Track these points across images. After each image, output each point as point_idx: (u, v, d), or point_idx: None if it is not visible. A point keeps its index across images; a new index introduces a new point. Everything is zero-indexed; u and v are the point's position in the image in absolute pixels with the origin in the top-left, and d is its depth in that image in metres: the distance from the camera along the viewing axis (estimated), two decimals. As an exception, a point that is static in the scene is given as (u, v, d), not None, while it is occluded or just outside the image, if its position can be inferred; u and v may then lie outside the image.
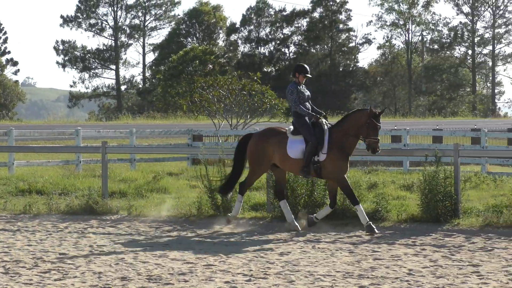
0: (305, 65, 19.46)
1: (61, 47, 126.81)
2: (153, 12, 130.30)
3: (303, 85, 19.02)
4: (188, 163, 33.41)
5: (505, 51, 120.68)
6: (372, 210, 20.31)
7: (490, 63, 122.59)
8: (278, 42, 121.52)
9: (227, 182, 19.87)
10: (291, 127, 18.93)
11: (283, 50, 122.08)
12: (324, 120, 18.66)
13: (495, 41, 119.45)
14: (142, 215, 21.69)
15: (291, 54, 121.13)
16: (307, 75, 19.06)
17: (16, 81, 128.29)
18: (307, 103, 18.81)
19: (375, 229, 18.26)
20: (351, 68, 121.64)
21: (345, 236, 18.53)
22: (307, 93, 18.93)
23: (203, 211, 21.45)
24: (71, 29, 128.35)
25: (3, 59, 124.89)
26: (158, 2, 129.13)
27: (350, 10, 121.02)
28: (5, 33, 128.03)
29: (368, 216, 19.64)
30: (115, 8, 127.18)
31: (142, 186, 25.75)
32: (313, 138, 18.32)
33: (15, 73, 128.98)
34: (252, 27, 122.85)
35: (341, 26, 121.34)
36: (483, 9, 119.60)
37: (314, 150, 18.32)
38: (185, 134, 37.00)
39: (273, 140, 18.92)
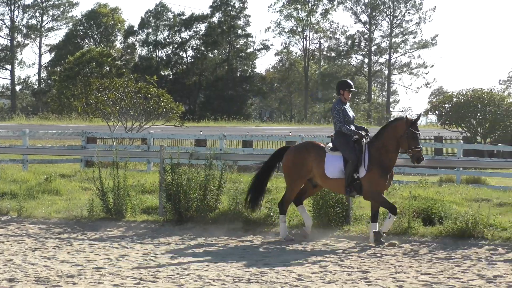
0: (349, 80, 18.89)
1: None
2: (50, 13, 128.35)
3: (348, 104, 18.34)
4: (81, 165, 33.02)
5: (401, 61, 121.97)
6: (264, 215, 20.33)
7: (386, 72, 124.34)
8: (176, 46, 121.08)
9: (254, 196, 19.19)
10: (330, 144, 18.27)
11: (180, 54, 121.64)
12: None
13: (392, 50, 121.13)
14: (32, 217, 21.37)
15: (188, 58, 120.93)
16: (352, 89, 18.38)
17: None
18: (351, 125, 18.06)
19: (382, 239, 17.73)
20: (248, 74, 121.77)
21: (236, 241, 18.56)
22: (352, 114, 18.18)
23: (94, 214, 21.21)
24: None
25: None
26: (56, 2, 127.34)
27: (249, 16, 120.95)
28: None
29: (261, 222, 19.97)
30: (12, 8, 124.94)
31: (33, 188, 25.18)
32: (353, 157, 17.66)
33: None
34: (150, 30, 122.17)
35: (239, 31, 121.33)
36: (380, 18, 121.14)
37: (354, 169, 17.66)
38: (79, 136, 36.67)
39: (312, 155, 18.23)
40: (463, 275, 14.88)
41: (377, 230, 17.65)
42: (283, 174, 19.05)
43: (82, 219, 21.15)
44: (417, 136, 17.49)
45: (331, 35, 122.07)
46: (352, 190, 17.81)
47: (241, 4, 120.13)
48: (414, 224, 19.14)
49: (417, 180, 28.38)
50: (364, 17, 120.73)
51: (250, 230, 19.62)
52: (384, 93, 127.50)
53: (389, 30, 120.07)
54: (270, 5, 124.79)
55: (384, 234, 17.90)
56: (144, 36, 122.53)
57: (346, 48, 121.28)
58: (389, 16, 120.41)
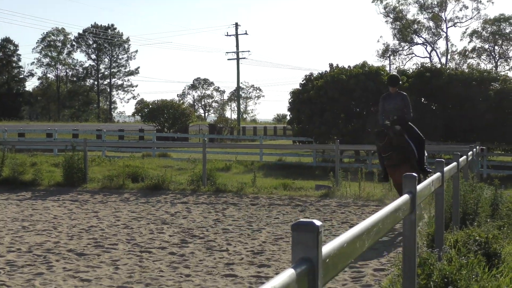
0: (393, 75, 14.25)
1: None
2: None
3: (397, 94, 13.55)
4: None
5: (117, 83, 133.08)
6: (32, 179, 20.78)
7: (109, 90, 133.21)
8: None
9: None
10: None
11: None
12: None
13: (111, 77, 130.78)
14: None
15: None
16: (392, 85, 13.54)
17: None
18: (392, 114, 13.38)
19: None
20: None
21: (14, 196, 18.67)
22: (392, 104, 13.43)
23: None
24: None
25: None
26: None
27: (20, 55, 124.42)
28: None
29: (28, 183, 20.20)
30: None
31: None
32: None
33: None
34: None
35: (14, 64, 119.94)
36: (104, 56, 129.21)
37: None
38: None
39: None
40: (156, 211, 15.67)
41: None
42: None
43: None
44: (377, 145, 13.57)
45: (73, 67, 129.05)
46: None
47: (15, 47, 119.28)
48: (126, 182, 20.24)
49: (128, 155, 29.17)
50: (93, 56, 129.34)
51: (24, 189, 19.84)
52: (108, 103, 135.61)
53: (109, 64, 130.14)
54: (33, 48, 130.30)
55: None
56: None
57: (83, 75, 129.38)
58: (109, 56, 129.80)
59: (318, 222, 2.55)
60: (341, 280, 8.67)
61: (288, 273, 2.36)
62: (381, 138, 12.98)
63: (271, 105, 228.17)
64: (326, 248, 2.74)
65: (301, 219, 2.62)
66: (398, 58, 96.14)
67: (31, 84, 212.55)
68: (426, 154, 13.50)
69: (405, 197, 4.91)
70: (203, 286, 8.58)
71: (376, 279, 8.77)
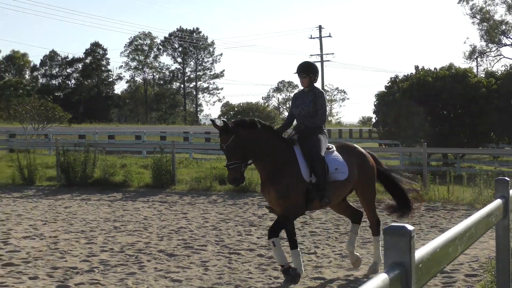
0: (303, 62, 9.26)
1: None
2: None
3: (309, 91, 9.14)
4: (6, 151, 32.47)
5: (203, 86, 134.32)
6: (122, 180, 21.32)
7: (194, 93, 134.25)
8: (64, 77, 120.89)
9: None
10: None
11: (67, 82, 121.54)
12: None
13: (197, 80, 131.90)
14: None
15: (72, 84, 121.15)
16: (309, 74, 9.13)
17: None
18: (300, 121, 9.17)
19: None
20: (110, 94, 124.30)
21: (106, 196, 19.20)
22: (300, 107, 9.13)
23: (15, 182, 21.92)
24: None
25: None
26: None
27: (108, 58, 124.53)
28: None
29: (119, 185, 20.79)
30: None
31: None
32: None
33: None
34: (47, 67, 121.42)
35: (103, 68, 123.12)
36: (189, 60, 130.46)
37: None
38: (5, 133, 39.14)
39: None
40: (244, 213, 15.73)
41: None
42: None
43: (8, 185, 21.70)
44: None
45: (160, 70, 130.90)
46: None
47: (104, 51, 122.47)
48: (214, 184, 20.36)
49: (215, 157, 29.35)
50: (179, 59, 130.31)
51: (114, 190, 20.31)
52: (194, 106, 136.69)
53: (195, 67, 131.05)
54: (121, 52, 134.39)
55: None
56: (43, 71, 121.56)
57: (169, 78, 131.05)
58: (194, 59, 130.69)
59: (410, 227, 2.56)
60: (431, 286, 8.56)
61: (382, 278, 2.37)
62: (224, 137, 8.53)
63: (356, 108, 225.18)
64: (419, 253, 2.74)
65: (393, 224, 2.61)
66: (486, 60, 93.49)
67: (119, 87, 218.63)
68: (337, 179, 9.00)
69: (498, 201, 4.84)
70: (291, 289, 8.48)
71: (468, 285, 8.64)
